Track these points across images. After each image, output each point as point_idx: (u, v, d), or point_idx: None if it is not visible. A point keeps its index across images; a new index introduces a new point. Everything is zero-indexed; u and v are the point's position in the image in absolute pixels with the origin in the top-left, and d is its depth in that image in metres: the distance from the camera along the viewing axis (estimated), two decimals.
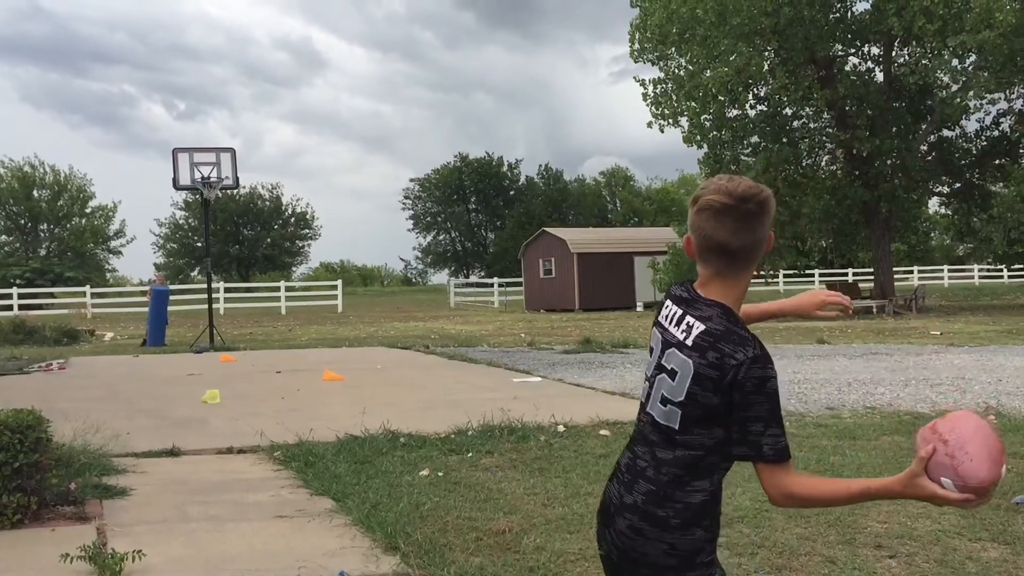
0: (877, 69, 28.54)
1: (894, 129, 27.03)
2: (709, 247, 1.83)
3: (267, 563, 4.19)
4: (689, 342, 1.81)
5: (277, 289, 40.38)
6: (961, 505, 1.66)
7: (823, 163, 29.45)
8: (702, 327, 1.81)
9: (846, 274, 45.69)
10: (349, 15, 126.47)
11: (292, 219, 70.76)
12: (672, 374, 1.83)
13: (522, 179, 77.70)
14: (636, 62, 29.16)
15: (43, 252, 53.14)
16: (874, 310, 25.92)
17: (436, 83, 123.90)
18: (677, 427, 1.81)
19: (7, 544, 4.48)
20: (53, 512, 4.95)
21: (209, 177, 18.63)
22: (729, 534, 4.39)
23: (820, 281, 45.29)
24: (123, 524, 4.85)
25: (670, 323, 1.89)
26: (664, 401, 1.84)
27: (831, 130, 28.09)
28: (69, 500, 5.08)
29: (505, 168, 77.62)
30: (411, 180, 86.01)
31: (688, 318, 1.85)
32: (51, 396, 9.76)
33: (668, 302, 1.93)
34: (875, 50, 28.49)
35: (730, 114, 27.89)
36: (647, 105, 28.57)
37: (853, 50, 28.57)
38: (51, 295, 40.40)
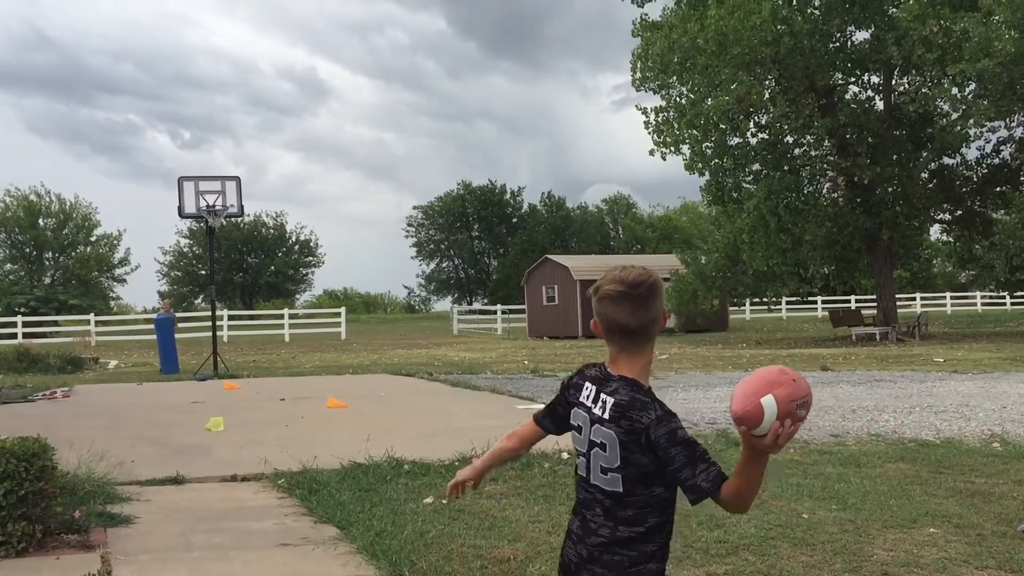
0: (877, 97, 28.72)
1: (895, 157, 27.14)
2: (611, 328, 2.12)
3: None
4: (606, 415, 2.07)
5: (281, 317, 40.41)
6: (752, 441, 1.83)
7: (824, 190, 29.52)
8: (612, 400, 2.08)
9: (849, 301, 45.67)
10: (353, 45, 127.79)
11: (296, 247, 71.04)
12: (603, 446, 2.07)
13: (525, 207, 78.05)
14: (638, 90, 29.38)
15: (48, 280, 53.28)
16: (877, 337, 25.89)
17: (439, 112, 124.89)
18: (622, 490, 2.05)
19: (12, 573, 4.48)
20: (57, 540, 4.95)
21: (214, 205, 18.74)
22: (735, 562, 4.38)
23: (823, 308, 45.27)
24: (127, 552, 4.85)
25: (589, 401, 2.14)
26: (604, 471, 2.07)
27: (832, 158, 28.20)
28: (73, 528, 5.08)
29: (508, 196, 77.97)
30: (414, 208, 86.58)
31: (602, 395, 2.11)
32: (55, 424, 9.76)
33: (586, 383, 2.18)
34: (875, 79, 28.70)
35: (731, 142, 28.04)
36: (649, 133, 28.74)
37: (853, 79, 28.77)
38: (55, 323, 40.51)
